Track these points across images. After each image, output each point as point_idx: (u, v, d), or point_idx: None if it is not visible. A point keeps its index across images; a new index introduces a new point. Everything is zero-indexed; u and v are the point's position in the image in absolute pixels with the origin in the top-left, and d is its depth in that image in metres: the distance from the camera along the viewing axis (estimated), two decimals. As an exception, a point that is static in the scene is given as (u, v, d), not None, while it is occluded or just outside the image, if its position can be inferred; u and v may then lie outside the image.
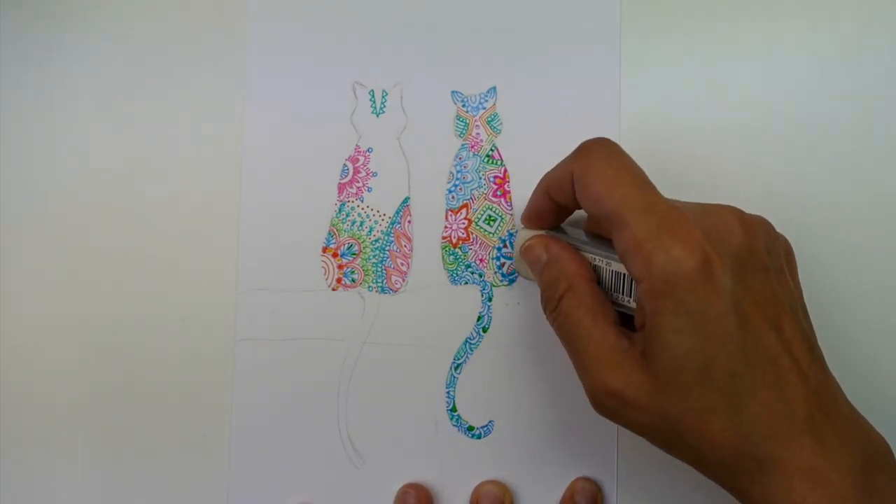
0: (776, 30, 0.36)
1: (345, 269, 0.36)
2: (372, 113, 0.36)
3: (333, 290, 0.35)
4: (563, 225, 0.33)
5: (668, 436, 0.26)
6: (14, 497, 0.35)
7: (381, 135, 0.36)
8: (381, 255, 0.36)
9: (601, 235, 0.31)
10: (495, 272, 0.35)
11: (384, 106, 0.36)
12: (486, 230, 0.36)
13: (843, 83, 0.36)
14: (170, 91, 0.36)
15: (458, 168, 0.36)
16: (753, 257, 0.26)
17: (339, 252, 0.36)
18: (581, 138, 0.36)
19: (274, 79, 0.36)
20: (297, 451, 0.35)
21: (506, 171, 0.36)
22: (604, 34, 0.36)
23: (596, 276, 0.30)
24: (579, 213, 0.32)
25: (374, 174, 0.36)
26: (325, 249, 0.36)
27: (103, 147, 0.36)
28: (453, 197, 0.36)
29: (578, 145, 0.29)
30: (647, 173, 0.28)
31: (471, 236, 0.36)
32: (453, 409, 0.35)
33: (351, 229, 0.36)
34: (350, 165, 0.36)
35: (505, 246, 0.36)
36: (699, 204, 0.28)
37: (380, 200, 0.36)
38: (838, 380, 0.27)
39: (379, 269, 0.36)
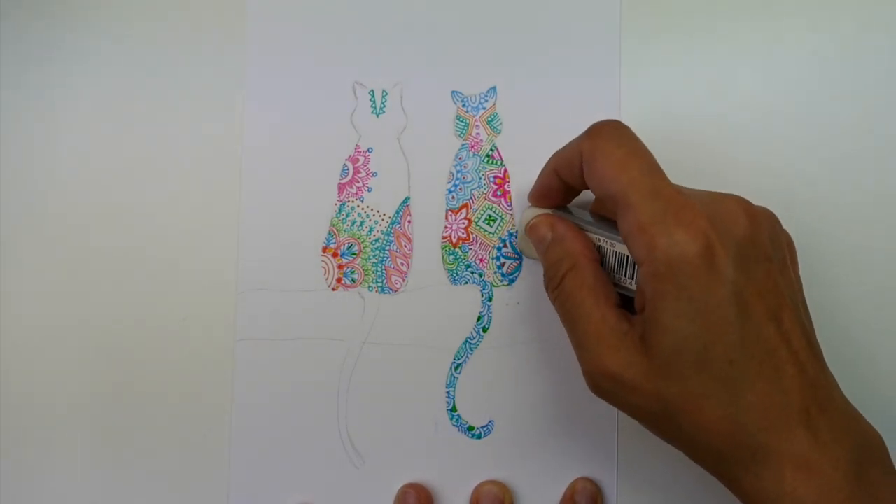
0: (776, 30, 0.36)
1: (345, 269, 0.36)
2: (372, 113, 0.36)
3: (333, 290, 0.35)
4: (569, 206, 0.33)
5: (663, 420, 0.26)
6: (14, 497, 0.35)
7: (381, 135, 0.36)
8: (381, 255, 0.36)
9: (607, 217, 0.31)
10: (495, 272, 0.35)
11: (384, 106, 0.36)
12: (486, 230, 0.36)
13: (843, 83, 0.36)
14: (170, 91, 0.36)
15: (458, 168, 0.36)
16: (757, 247, 0.26)
17: (339, 252, 0.36)
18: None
19: (274, 79, 0.36)
20: (297, 451, 0.35)
21: (506, 171, 0.36)
22: (604, 34, 0.36)
23: (600, 257, 0.30)
24: (586, 195, 0.32)
25: (374, 174, 0.36)
26: (325, 249, 0.36)
27: (103, 147, 0.36)
28: (453, 197, 0.36)
29: (590, 126, 0.29)
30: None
31: (471, 236, 0.36)
32: (453, 409, 0.35)
33: (351, 229, 0.36)
34: (350, 165, 0.36)
35: (505, 246, 0.36)
36: (706, 192, 0.28)
37: (380, 200, 0.36)
38: (837, 377, 0.27)
39: (379, 269, 0.36)
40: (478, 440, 0.35)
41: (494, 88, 0.36)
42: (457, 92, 0.36)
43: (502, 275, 0.35)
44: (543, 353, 0.35)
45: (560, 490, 0.35)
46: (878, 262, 0.35)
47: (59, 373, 0.35)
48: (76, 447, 0.35)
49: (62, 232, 0.36)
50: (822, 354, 0.28)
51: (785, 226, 0.30)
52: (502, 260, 0.36)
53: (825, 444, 0.25)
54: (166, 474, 0.35)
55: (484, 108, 0.36)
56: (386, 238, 0.36)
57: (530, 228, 0.32)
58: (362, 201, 0.36)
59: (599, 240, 0.30)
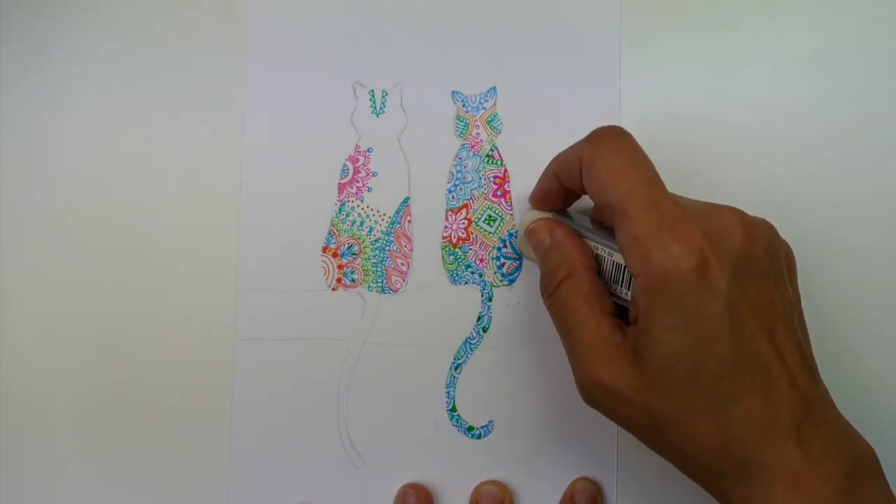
0: (776, 29, 0.36)
1: (345, 269, 0.36)
2: (372, 113, 0.36)
3: (333, 290, 0.35)
4: (569, 210, 0.33)
5: (653, 433, 0.26)
6: (14, 497, 0.35)
7: (381, 135, 0.36)
8: (381, 255, 0.36)
9: (606, 225, 0.31)
10: (495, 272, 0.35)
11: (384, 106, 0.36)
12: (486, 230, 0.36)
13: (843, 83, 0.36)
14: (170, 91, 0.36)
15: (458, 168, 0.36)
16: (753, 261, 0.26)
17: (339, 252, 0.36)
18: (581, 138, 0.35)
19: (274, 79, 0.36)
20: (297, 451, 0.35)
21: (506, 171, 0.36)
22: (604, 34, 0.36)
23: (597, 265, 0.30)
24: (587, 199, 0.32)
25: (374, 174, 0.36)
26: (325, 249, 0.36)
27: (103, 147, 0.36)
28: (453, 197, 0.36)
29: (592, 131, 0.29)
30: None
31: (471, 236, 0.36)
32: (453, 409, 0.35)
33: (351, 229, 0.36)
34: (350, 165, 0.36)
35: (505, 246, 0.36)
36: (704, 203, 0.28)
37: (380, 200, 0.36)
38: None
39: (379, 269, 0.36)
40: (478, 440, 0.35)
41: (494, 88, 0.36)
42: (457, 92, 0.36)
43: (502, 275, 0.35)
44: (543, 353, 0.35)
45: (560, 490, 0.35)
46: (879, 263, 0.35)
47: (59, 373, 0.35)
48: (76, 447, 0.35)
49: (62, 232, 0.36)
50: (816, 368, 0.27)
51: (784, 225, 0.30)
52: (502, 260, 0.36)
53: (816, 459, 0.25)
54: (166, 474, 0.35)
55: (484, 108, 0.36)
56: (386, 238, 0.36)
57: (529, 232, 0.32)
58: (362, 201, 0.36)
59: (598, 248, 0.30)
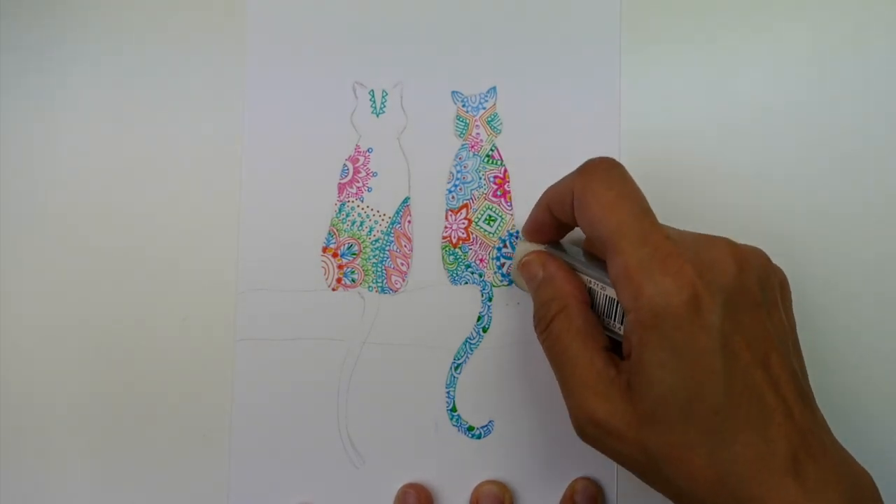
0: (776, 29, 0.36)
1: (345, 269, 0.36)
2: (372, 113, 0.36)
3: (333, 290, 0.35)
4: (563, 242, 0.33)
5: (649, 469, 0.26)
6: (14, 497, 0.35)
7: (381, 135, 0.36)
8: (381, 255, 0.36)
9: (598, 256, 0.31)
10: (495, 272, 0.35)
11: (384, 106, 0.36)
12: (486, 230, 0.36)
13: (843, 83, 0.36)
14: (170, 91, 0.36)
15: (458, 168, 0.36)
16: (745, 293, 0.26)
17: (339, 252, 0.36)
18: (581, 138, 0.36)
19: (274, 79, 0.36)
20: (297, 451, 0.35)
21: (506, 171, 0.36)
22: (604, 34, 0.36)
23: (590, 298, 0.30)
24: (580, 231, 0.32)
25: (374, 174, 0.36)
26: (325, 249, 0.36)
27: (103, 147, 0.36)
28: (453, 197, 0.36)
29: (583, 163, 0.29)
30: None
31: (471, 236, 0.36)
32: (453, 409, 0.35)
33: (351, 229, 0.36)
34: (350, 165, 0.36)
35: (505, 246, 0.36)
36: (695, 235, 0.28)
37: (380, 200, 0.36)
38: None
39: (379, 269, 0.36)
40: (478, 440, 0.35)
41: (494, 88, 0.36)
42: (457, 92, 0.36)
43: (502, 275, 0.35)
44: (543, 353, 0.35)
45: (560, 490, 0.35)
46: (880, 263, 0.35)
47: (59, 373, 0.35)
48: (76, 447, 0.35)
49: (62, 232, 0.36)
50: (812, 397, 0.27)
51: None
52: (502, 260, 0.36)
53: (814, 491, 0.24)
54: (166, 474, 0.35)
55: (484, 108, 0.36)
56: (386, 238, 0.36)
57: (522, 266, 0.32)
58: (362, 201, 0.36)
59: (590, 281, 0.30)
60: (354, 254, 0.36)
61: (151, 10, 0.36)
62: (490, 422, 0.35)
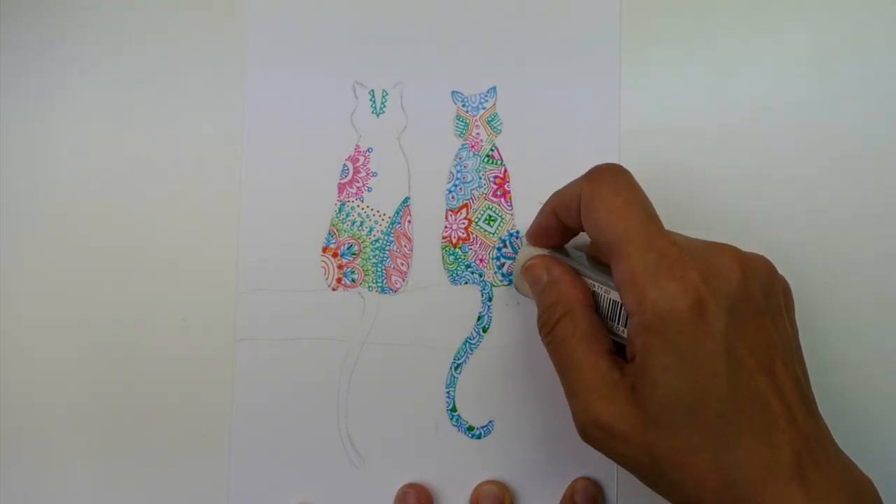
0: (776, 29, 0.36)
1: (345, 269, 0.36)
2: (372, 113, 0.36)
3: (333, 290, 0.35)
4: (567, 246, 0.33)
5: (652, 472, 0.26)
6: (14, 497, 0.35)
7: (381, 135, 0.36)
8: (381, 255, 0.36)
9: (602, 262, 0.31)
10: (495, 272, 0.35)
11: (384, 106, 0.36)
12: (486, 230, 0.36)
13: (842, 83, 0.36)
14: (170, 91, 0.36)
15: (458, 168, 0.36)
16: (749, 300, 0.26)
17: (339, 252, 0.36)
18: (581, 138, 0.36)
19: (274, 79, 0.36)
20: (297, 451, 0.35)
21: (506, 171, 0.36)
22: (604, 34, 0.36)
23: (594, 302, 0.30)
24: (584, 236, 0.32)
25: (374, 174, 0.36)
26: (325, 249, 0.36)
27: (103, 147, 0.36)
28: (453, 197, 0.36)
29: (590, 169, 0.29)
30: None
31: (471, 236, 0.36)
32: (453, 409, 0.35)
33: (351, 229, 0.36)
34: (350, 165, 0.36)
35: (505, 246, 0.36)
36: (701, 242, 0.28)
37: (380, 200, 0.36)
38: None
39: (379, 269, 0.36)
40: (478, 440, 0.35)
41: (494, 88, 0.36)
42: (457, 92, 0.36)
43: (502, 275, 0.35)
44: (543, 353, 0.35)
45: (560, 490, 0.35)
46: (879, 263, 0.35)
47: (59, 373, 0.35)
48: (76, 447, 0.35)
49: (62, 232, 0.36)
50: (815, 405, 0.27)
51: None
52: (502, 260, 0.36)
53: (817, 499, 0.24)
54: (166, 474, 0.35)
55: (484, 108, 0.36)
56: (386, 238, 0.36)
57: (526, 269, 0.32)
58: (362, 201, 0.36)
59: (594, 285, 0.30)
60: (354, 254, 0.36)
61: (151, 10, 0.36)
62: (490, 422, 0.35)
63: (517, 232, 0.35)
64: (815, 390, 0.28)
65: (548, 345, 0.30)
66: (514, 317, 0.35)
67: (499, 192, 0.36)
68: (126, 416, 0.35)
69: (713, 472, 0.25)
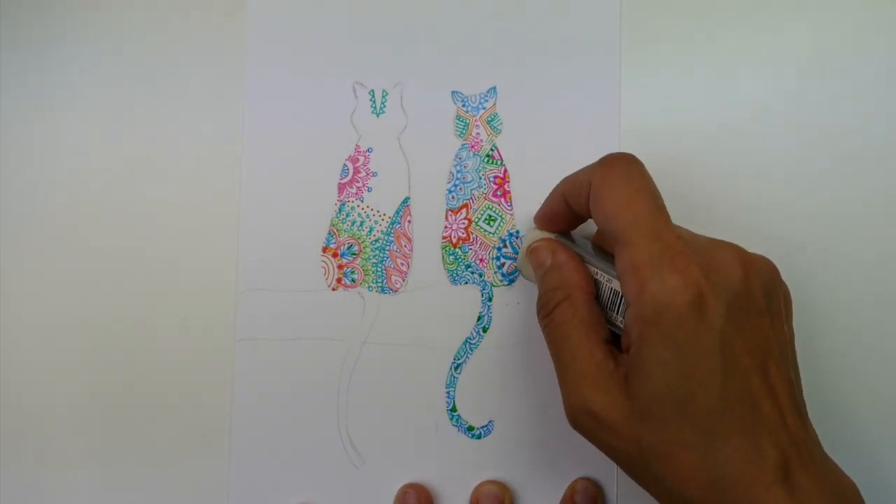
0: (776, 29, 0.36)
1: (345, 269, 0.36)
2: (372, 113, 0.36)
3: (333, 290, 0.35)
4: (573, 233, 0.33)
5: (638, 464, 0.26)
6: (14, 497, 0.35)
7: (381, 135, 0.36)
8: (381, 255, 0.36)
9: (607, 250, 0.31)
10: (495, 272, 0.35)
11: (384, 106, 0.36)
12: (486, 230, 0.36)
13: (842, 83, 0.36)
14: (170, 91, 0.36)
15: (458, 168, 0.36)
16: (749, 299, 0.26)
17: (339, 252, 0.36)
18: (581, 138, 0.36)
19: (274, 79, 0.36)
20: (297, 451, 0.35)
21: (506, 171, 0.36)
22: (604, 34, 0.36)
23: (595, 290, 0.30)
24: (591, 223, 0.32)
25: (374, 174, 0.36)
26: (325, 249, 0.36)
27: (103, 147, 0.36)
28: (453, 197, 0.36)
29: (603, 156, 0.29)
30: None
31: (471, 236, 0.36)
32: (453, 409, 0.35)
33: (351, 229, 0.36)
34: (350, 165, 0.36)
35: (505, 246, 0.36)
36: (707, 238, 0.28)
37: (380, 200, 0.36)
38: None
39: (379, 269, 0.36)
40: (478, 440, 0.35)
41: (494, 88, 0.36)
42: (457, 92, 0.36)
43: (502, 275, 0.35)
44: (543, 353, 0.35)
45: (560, 490, 0.35)
46: (879, 263, 0.35)
47: (59, 373, 0.35)
48: (76, 447, 0.35)
49: (62, 232, 0.36)
50: (805, 409, 0.27)
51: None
52: (502, 260, 0.36)
53: (801, 501, 0.24)
54: (166, 474, 0.35)
55: (484, 108, 0.36)
56: (386, 238, 0.36)
57: (531, 251, 0.32)
58: (362, 201, 0.36)
59: (597, 273, 0.30)
60: (354, 254, 0.36)
61: (151, 10, 0.36)
62: (490, 422, 0.35)
63: (517, 232, 0.35)
64: (813, 390, 0.28)
65: (545, 328, 0.30)
66: (514, 317, 0.35)
67: (499, 192, 0.36)
68: (126, 416, 0.35)
69: (699, 469, 0.25)
